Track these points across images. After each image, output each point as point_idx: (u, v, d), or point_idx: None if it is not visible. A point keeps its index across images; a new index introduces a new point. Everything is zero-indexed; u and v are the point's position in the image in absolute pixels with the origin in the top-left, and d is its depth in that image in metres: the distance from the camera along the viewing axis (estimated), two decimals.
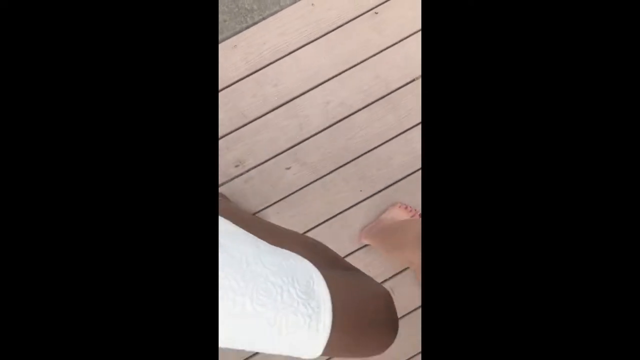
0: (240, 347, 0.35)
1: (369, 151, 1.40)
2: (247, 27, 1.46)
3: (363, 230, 1.33)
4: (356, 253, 1.37)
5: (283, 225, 1.26)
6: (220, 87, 1.43)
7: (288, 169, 1.40)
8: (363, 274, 0.49)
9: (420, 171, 1.38)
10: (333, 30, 1.44)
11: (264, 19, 1.47)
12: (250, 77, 1.43)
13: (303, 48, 1.44)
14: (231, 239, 0.38)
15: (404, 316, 1.35)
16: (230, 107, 1.42)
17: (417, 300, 1.35)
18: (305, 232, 1.38)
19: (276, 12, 1.46)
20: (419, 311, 1.35)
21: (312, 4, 1.45)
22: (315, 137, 1.41)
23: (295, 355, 0.36)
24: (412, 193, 1.38)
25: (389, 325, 0.44)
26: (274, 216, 1.38)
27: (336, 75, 1.42)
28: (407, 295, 1.36)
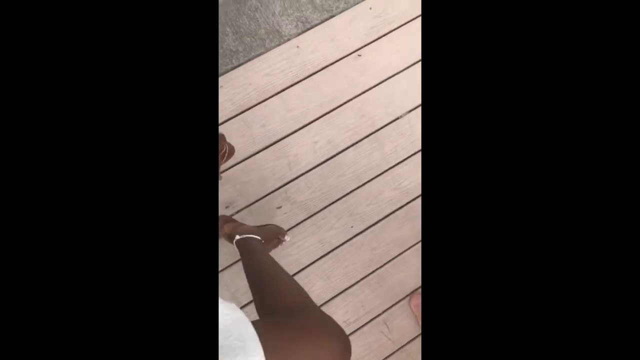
0: None
1: (357, 188, 1.43)
2: (233, 68, 1.48)
3: (413, 303, 1.37)
4: (352, 288, 1.38)
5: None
6: None
7: (279, 208, 1.41)
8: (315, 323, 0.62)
9: (408, 205, 1.43)
10: (318, 72, 1.48)
11: (249, 60, 1.49)
12: (238, 117, 1.44)
13: (289, 89, 1.47)
14: None
15: (398, 350, 1.37)
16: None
17: (411, 334, 1.37)
18: (298, 271, 1.38)
19: (261, 53, 1.50)
20: (413, 345, 1.37)
21: (297, 47, 1.49)
22: (305, 175, 1.43)
23: None
24: (401, 227, 1.42)
25: None
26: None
27: (323, 115, 1.46)
28: (401, 329, 1.38)
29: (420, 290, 1.40)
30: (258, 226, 1.29)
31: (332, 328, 0.60)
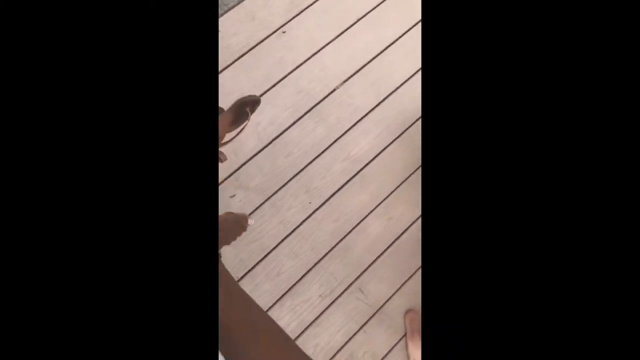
0: None
1: (308, 164, 1.42)
2: None
3: (409, 319, 1.38)
4: (321, 262, 1.37)
5: (241, 255, 1.13)
6: None
7: (232, 197, 1.35)
8: None
9: (360, 172, 1.45)
10: (246, 53, 1.44)
11: None
12: None
13: (221, 73, 1.41)
14: None
15: (376, 313, 1.39)
16: None
17: (385, 295, 1.40)
18: (265, 256, 1.33)
19: None
20: (389, 304, 1.40)
21: (218, 31, 1.43)
22: (253, 160, 1.38)
23: None
24: (357, 194, 1.44)
25: None
26: (230, 250, 1.31)
27: (260, 96, 1.42)
28: (375, 292, 1.40)
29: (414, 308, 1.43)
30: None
31: None
